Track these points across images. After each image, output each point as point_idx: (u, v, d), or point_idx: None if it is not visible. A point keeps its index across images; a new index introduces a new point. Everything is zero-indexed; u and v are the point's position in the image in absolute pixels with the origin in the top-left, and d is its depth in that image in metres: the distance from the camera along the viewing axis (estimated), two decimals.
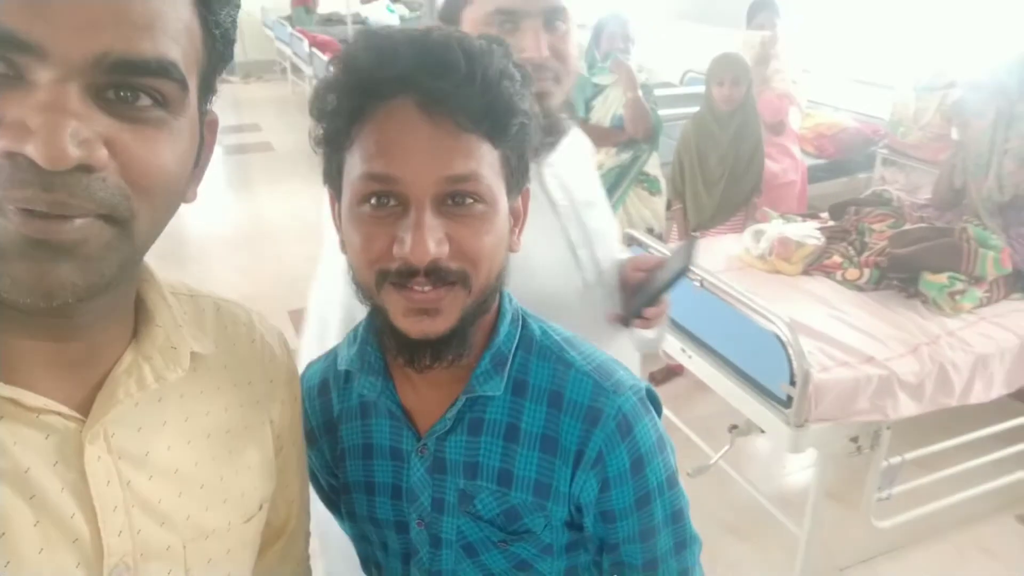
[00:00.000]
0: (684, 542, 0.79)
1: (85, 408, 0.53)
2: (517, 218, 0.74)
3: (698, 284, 2.13)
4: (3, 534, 0.47)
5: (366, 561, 0.88)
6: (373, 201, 0.63)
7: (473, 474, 0.74)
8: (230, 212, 5.17)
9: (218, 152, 6.05)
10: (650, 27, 5.13)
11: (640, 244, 2.40)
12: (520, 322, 0.77)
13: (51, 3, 0.42)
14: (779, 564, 2.18)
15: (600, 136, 2.99)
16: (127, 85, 0.45)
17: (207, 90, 0.54)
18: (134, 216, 0.47)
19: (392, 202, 0.63)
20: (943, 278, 2.23)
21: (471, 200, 0.64)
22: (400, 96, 0.62)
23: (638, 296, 1.11)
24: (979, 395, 2.06)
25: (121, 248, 0.47)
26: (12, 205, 0.42)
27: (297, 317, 3.59)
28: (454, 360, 0.69)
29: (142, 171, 0.46)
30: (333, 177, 0.69)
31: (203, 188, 0.58)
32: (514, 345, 0.75)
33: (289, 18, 8.35)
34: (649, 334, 1.20)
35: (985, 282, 2.26)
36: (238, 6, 0.53)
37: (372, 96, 0.63)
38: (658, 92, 3.72)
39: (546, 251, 1.02)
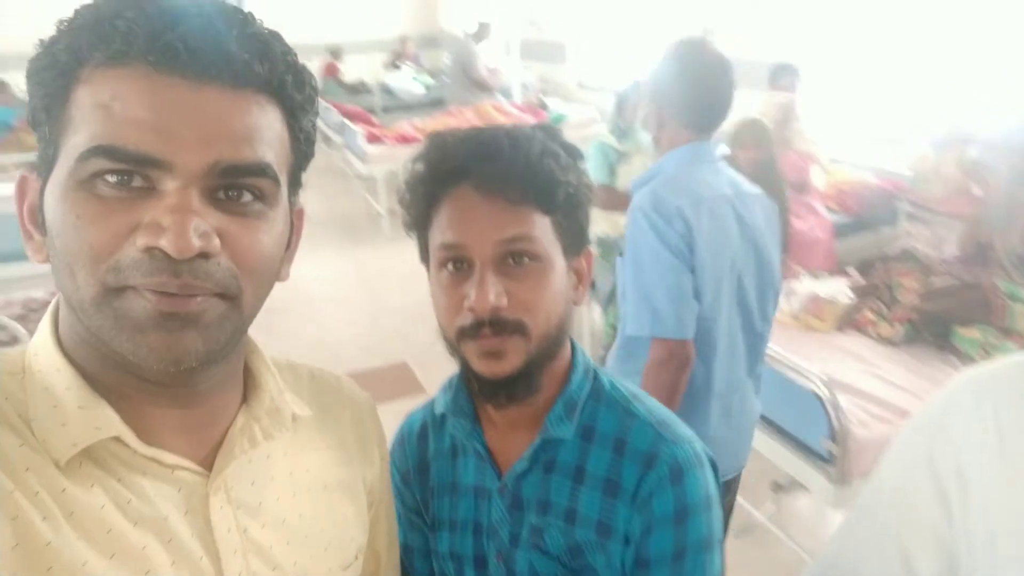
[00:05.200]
0: None
1: (207, 464, 0.62)
2: (581, 276, 0.85)
3: None
4: (148, 572, 0.56)
5: None
6: (449, 267, 0.78)
7: (544, 510, 0.83)
8: None
9: None
10: None
11: None
12: (592, 375, 0.87)
13: (174, 130, 0.52)
14: None
15: (627, 201, 3.09)
16: (233, 186, 0.55)
17: (295, 184, 0.64)
18: (242, 292, 0.56)
19: (464, 266, 0.77)
20: (975, 332, 2.28)
21: (527, 259, 0.76)
22: (462, 183, 0.77)
23: None
24: None
25: (232, 319, 0.57)
26: (149, 289, 0.52)
27: None
28: (525, 398, 0.80)
29: (247, 255, 0.56)
30: (424, 254, 0.83)
31: None
32: (584, 394, 0.85)
33: (319, 90, 8.68)
34: None
35: (1017, 335, 2.31)
36: (317, 114, 0.64)
37: (441, 185, 0.78)
38: None
39: None
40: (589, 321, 3.27)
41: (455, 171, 0.77)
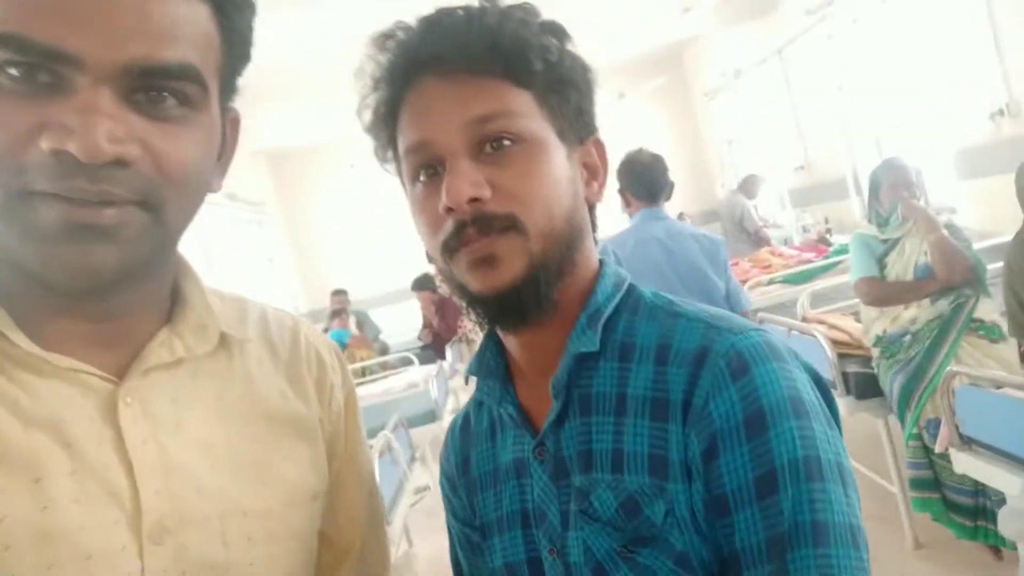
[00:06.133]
0: None
1: (121, 377, 0.56)
2: (594, 171, 0.72)
3: None
4: (39, 479, 0.50)
5: None
6: (422, 177, 0.65)
7: (588, 465, 0.65)
8: None
9: None
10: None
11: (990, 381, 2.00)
12: (627, 287, 0.71)
13: (85, 20, 0.47)
14: None
15: (904, 291, 2.68)
16: (154, 87, 0.51)
17: (228, 90, 0.59)
18: (165, 203, 0.52)
19: (439, 170, 0.64)
20: None
21: (508, 141, 0.63)
22: (418, 75, 0.65)
23: None
24: None
25: (154, 232, 0.53)
26: (61, 195, 0.48)
27: None
28: (538, 314, 0.64)
29: (170, 163, 0.52)
30: (402, 181, 0.71)
31: None
32: (615, 304, 0.69)
33: None
34: None
35: None
36: (254, 12, 0.58)
37: (396, 86, 0.66)
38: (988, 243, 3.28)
39: None
40: (887, 435, 2.73)
41: (407, 63, 0.65)
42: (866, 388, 2.76)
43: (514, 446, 0.72)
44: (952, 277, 2.59)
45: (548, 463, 0.68)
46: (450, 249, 0.64)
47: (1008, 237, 2.76)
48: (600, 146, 0.74)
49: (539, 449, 0.69)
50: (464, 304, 0.69)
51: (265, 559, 0.60)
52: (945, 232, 2.61)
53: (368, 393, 4.22)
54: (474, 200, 0.61)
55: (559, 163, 0.66)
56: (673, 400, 0.61)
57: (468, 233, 0.62)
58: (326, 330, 6.44)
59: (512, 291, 0.63)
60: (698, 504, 0.59)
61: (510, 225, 0.62)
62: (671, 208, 9.55)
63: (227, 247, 6.12)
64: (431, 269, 6.65)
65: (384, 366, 5.54)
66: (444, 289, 6.21)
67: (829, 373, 2.76)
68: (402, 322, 7.52)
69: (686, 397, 0.61)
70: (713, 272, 2.53)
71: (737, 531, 0.57)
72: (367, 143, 0.71)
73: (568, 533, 0.66)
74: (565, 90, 0.67)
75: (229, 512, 0.58)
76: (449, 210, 0.62)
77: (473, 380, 0.77)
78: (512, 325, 0.68)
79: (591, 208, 0.72)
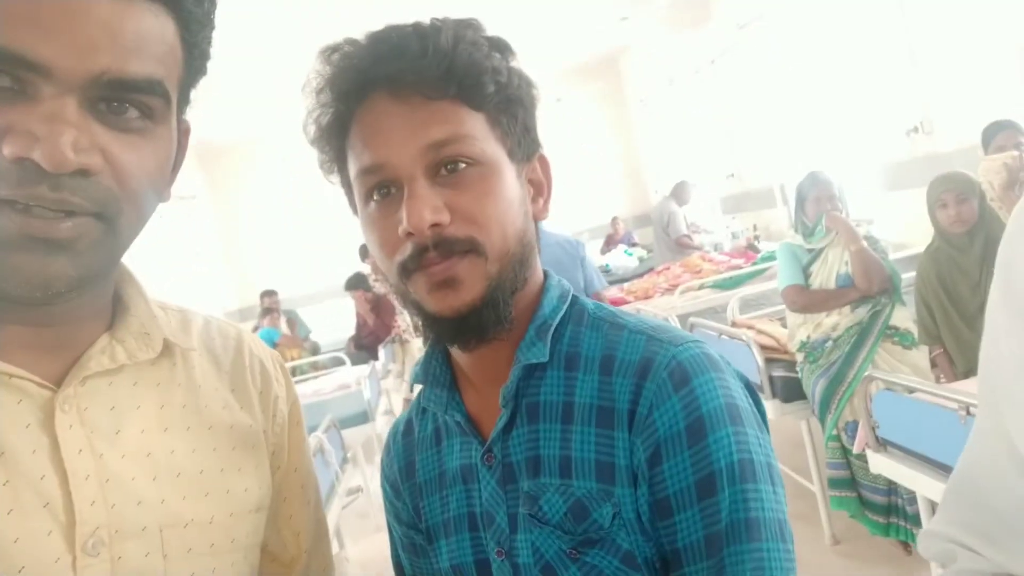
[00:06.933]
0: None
1: (60, 383, 0.55)
2: (539, 187, 0.74)
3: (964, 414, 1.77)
4: None
5: None
6: (376, 197, 0.66)
7: (536, 470, 0.68)
8: None
9: None
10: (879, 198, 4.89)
11: (905, 387, 2.10)
12: (570, 299, 0.74)
13: (55, 28, 0.47)
14: None
15: (827, 299, 2.80)
16: (117, 99, 0.51)
17: (184, 101, 0.60)
18: (120, 214, 0.52)
19: (393, 191, 0.65)
20: None
21: (464, 164, 0.64)
22: (370, 93, 0.65)
23: None
24: None
25: (107, 243, 0.53)
26: (20, 203, 0.48)
27: None
28: (496, 330, 0.66)
29: (129, 175, 0.52)
30: (351, 198, 0.71)
31: None
32: (560, 316, 0.72)
33: None
34: None
35: None
36: (214, 27, 0.59)
37: (347, 102, 0.66)
38: (903, 253, 3.45)
39: None
40: (808, 436, 2.84)
41: (359, 81, 0.65)
42: (791, 391, 2.87)
43: (461, 452, 0.73)
44: (870, 286, 2.71)
45: (496, 469, 0.70)
46: (408, 271, 0.65)
47: (921, 248, 2.92)
48: (544, 162, 0.75)
49: (487, 455, 0.71)
50: (420, 322, 0.69)
51: (205, 572, 0.59)
52: (865, 244, 2.73)
53: (299, 393, 4.10)
54: (435, 225, 0.62)
55: (511, 184, 0.68)
56: (619, 409, 0.65)
57: (429, 256, 0.63)
58: (255, 329, 6.30)
59: (472, 312, 0.65)
60: (643, 507, 0.63)
61: (470, 248, 0.64)
62: (609, 211, 9.68)
63: (151, 242, 5.91)
64: (363, 268, 6.69)
65: (315, 366, 5.45)
66: (378, 288, 6.15)
67: (757, 377, 2.86)
68: (333, 321, 7.41)
69: (631, 406, 0.64)
70: (575, 270, 3.08)
71: (679, 530, 0.61)
72: (299, 141, 0.71)
73: (516, 536, 0.68)
74: (514, 109, 0.68)
75: (169, 523, 0.58)
76: (409, 234, 0.63)
77: (407, 381, 0.78)
78: (472, 344, 0.68)
79: (536, 223, 0.74)
